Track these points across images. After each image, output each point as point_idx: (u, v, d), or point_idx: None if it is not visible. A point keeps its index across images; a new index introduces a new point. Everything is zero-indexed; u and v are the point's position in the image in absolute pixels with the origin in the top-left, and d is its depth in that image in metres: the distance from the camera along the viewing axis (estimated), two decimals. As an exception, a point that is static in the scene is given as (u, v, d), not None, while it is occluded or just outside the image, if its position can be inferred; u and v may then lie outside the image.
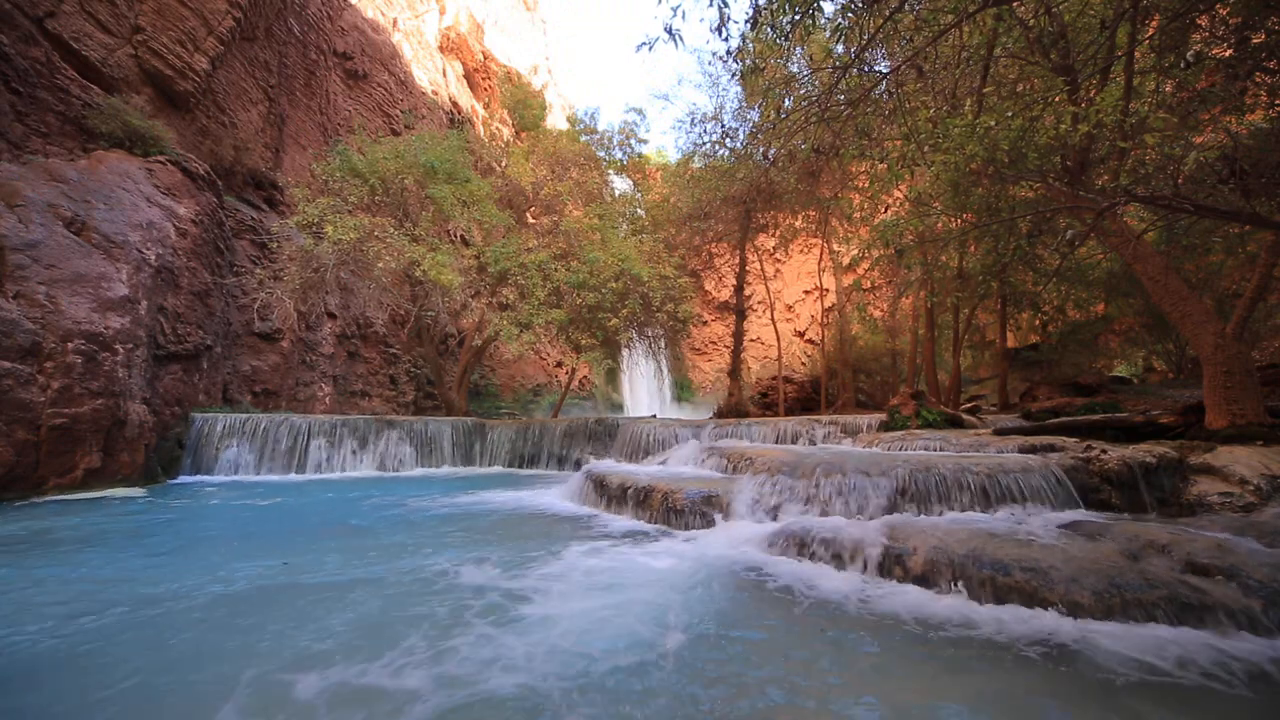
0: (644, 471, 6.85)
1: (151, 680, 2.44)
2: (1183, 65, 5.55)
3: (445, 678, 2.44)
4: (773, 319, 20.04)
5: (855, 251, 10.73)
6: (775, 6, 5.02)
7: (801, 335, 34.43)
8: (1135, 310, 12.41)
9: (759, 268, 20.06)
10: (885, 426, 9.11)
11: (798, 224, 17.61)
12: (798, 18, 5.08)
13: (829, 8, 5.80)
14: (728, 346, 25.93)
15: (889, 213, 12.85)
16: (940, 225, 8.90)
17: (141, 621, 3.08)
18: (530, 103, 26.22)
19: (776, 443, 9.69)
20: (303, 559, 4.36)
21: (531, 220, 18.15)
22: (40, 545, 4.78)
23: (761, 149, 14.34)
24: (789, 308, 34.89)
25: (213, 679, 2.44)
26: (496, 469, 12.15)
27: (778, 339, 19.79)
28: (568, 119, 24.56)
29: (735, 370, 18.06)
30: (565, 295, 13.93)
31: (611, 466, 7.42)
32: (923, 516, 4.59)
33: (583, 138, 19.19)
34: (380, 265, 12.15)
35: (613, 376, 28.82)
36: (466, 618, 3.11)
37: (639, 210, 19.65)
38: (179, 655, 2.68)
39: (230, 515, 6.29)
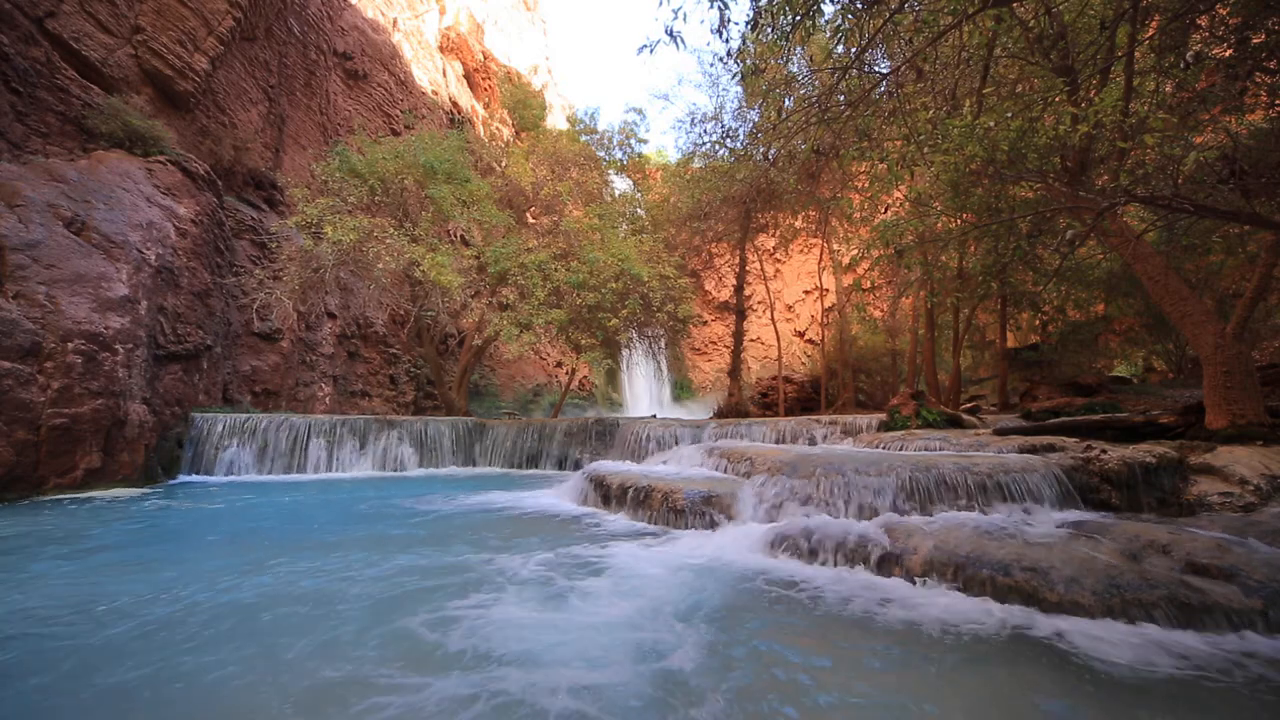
0: (644, 471, 6.85)
1: (145, 689, 2.41)
2: (1183, 65, 5.56)
3: (439, 677, 2.44)
4: (773, 319, 20.06)
5: (855, 251, 10.72)
6: (775, 8, 5.03)
7: (801, 335, 34.43)
8: (1135, 310, 12.41)
9: (759, 268, 20.07)
10: (885, 426, 9.11)
11: (798, 224, 17.63)
12: (798, 19, 5.09)
13: (829, 9, 5.80)
14: (728, 346, 25.94)
15: (889, 213, 12.85)
16: (940, 225, 8.90)
17: (136, 627, 3.05)
18: (530, 103, 26.23)
19: (777, 443, 9.69)
20: (300, 560, 4.35)
21: (531, 220, 18.15)
22: (39, 546, 4.77)
23: (761, 149, 14.35)
24: (789, 308, 34.89)
25: (204, 684, 2.44)
26: (497, 469, 12.15)
27: (778, 339, 19.81)
28: (568, 119, 24.56)
29: (735, 370, 18.08)
30: (565, 295, 13.93)
31: (611, 466, 7.42)
32: (923, 516, 4.59)
33: (583, 138, 19.18)
34: (380, 265, 12.15)
35: (613, 376, 28.81)
36: (464, 618, 3.10)
37: (639, 210, 19.64)
38: (178, 662, 2.66)
39: (230, 517, 6.27)
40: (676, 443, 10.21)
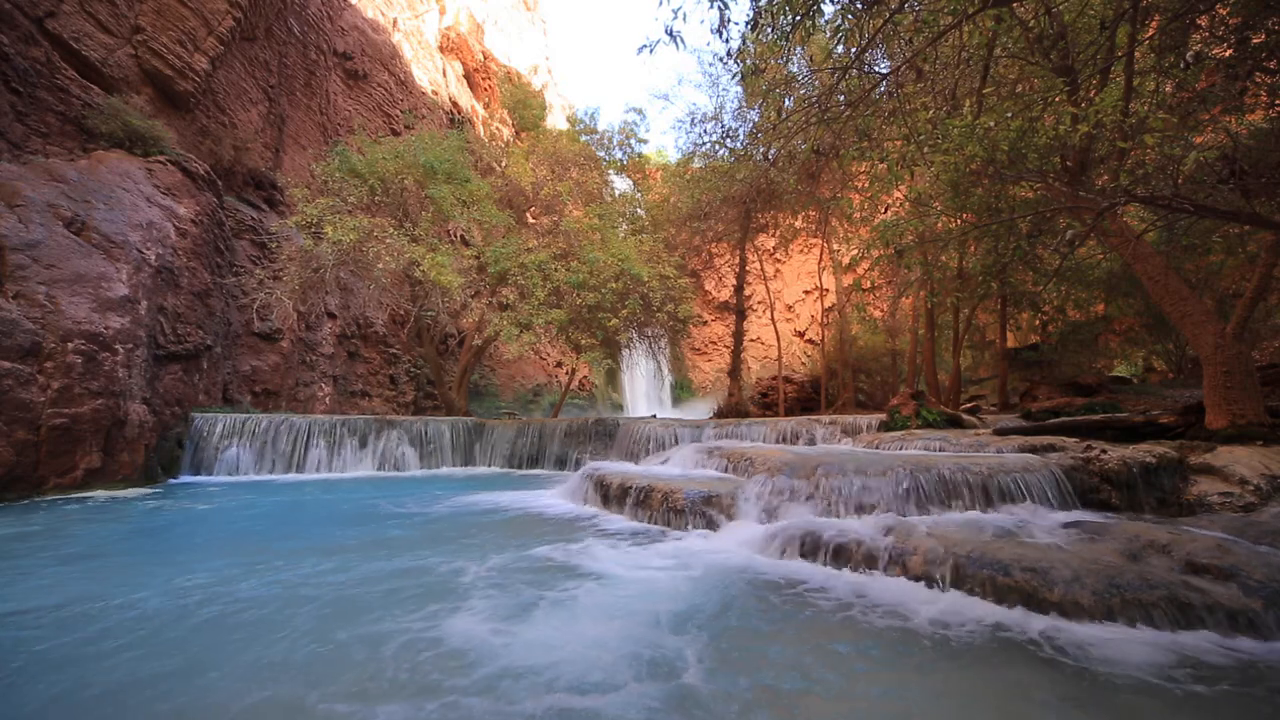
0: (644, 472, 6.85)
1: (53, 709, 2.27)
2: (1183, 65, 5.56)
3: (430, 688, 2.42)
4: (773, 319, 20.05)
5: (855, 251, 10.72)
6: (775, 8, 5.03)
7: (801, 335, 34.44)
8: (1135, 310, 12.41)
9: (759, 268, 20.07)
10: (885, 426, 9.11)
11: (798, 224, 17.63)
12: (798, 19, 5.09)
13: (829, 9, 5.80)
14: (728, 346, 25.94)
15: (889, 213, 12.85)
16: (940, 225, 8.90)
17: (91, 634, 2.92)
18: (530, 103, 26.24)
19: (776, 443, 9.69)
20: (275, 565, 4.29)
21: (531, 220, 18.15)
22: (24, 547, 4.75)
23: (761, 149, 14.35)
24: (789, 308, 34.90)
25: (202, 688, 2.44)
26: (496, 469, 12.15)
27: (778, 339, 19.80)
28: (568, 119, 24.56)
29: (735, 370, 18.07)
30: (565, 295, 13.93)
31: (611, 466, 7.42)
32: (923, 516, 4.59)
33: (583, 138, 19.19)
34: (380, 265, 12.15)
35: (613, 376, 28.81)
36: (461, 618, 3.10)
37: (639, 210, 19.64)
38: (101, 678, 2.49)
39: (219, 519, 6.19)
40: (676, 443, 10.21)
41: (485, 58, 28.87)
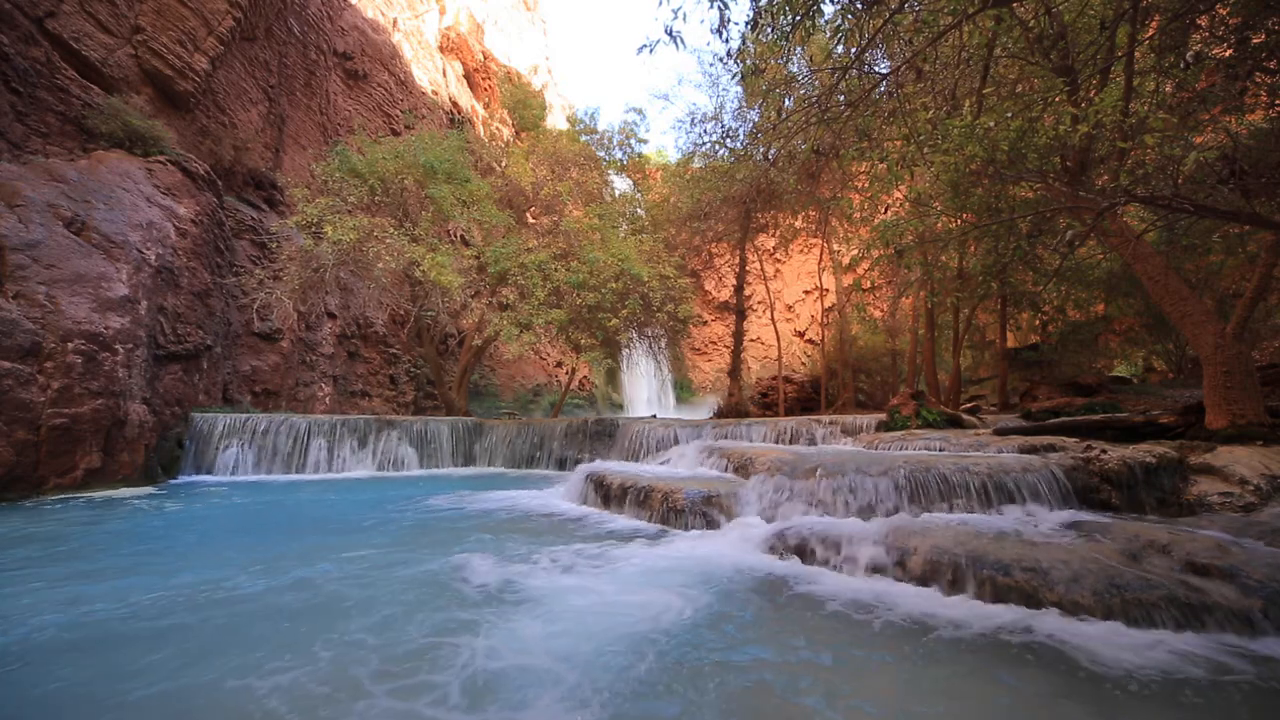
0: (644, 471, 6.85)
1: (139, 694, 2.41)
2: (1183, 65, 5.56)
3: (436, 678, 2.44)
4: (773, 319, 20.05)
5: (855, 251, 10.73)
6: (775, 8, 5.03)
7: (801, 335, 34.44)
8: (1135, 310, 12.40)
9: (759, 268, 20.07)
10: (885, 426, 9.10)
11: (798, 224, 17.64)
12: (798, 19, 5.09)
13: (829, 9, 5.80)
14: (728, 346, 25.94)
15: (889, 213, 12.84)
16: (940, 225, 8.90)
17: (137, 628, 3.04)
18: (530, 103, 26.23)
19: (776, 443, 9.69)
20: (298, 560, 4.34)
21: (531, 220, 18.15)
22: (39, 546, 4.77)
23: (761, 149, 14.35)
24: (789, 308, 34.90)
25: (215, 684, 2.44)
26: (496, 469, 12.15)
27: (778, 339, 19.80)
28: (568, 119, 24.56)
29: (735, 370, 18.07)
30: (565, 295, 13.93)
31: (611, 466, 7.42)
32: (923, 516, 4.59)
33: (583, 138, 19.19)
34: (380, 265, 12.16)
35: (613, 376, 28.83)
36: (463, 616, 3.10)
37: (639, 210, 19.65)
38: (177, 664, 2.64)
39: (231, 516, 6.24)
40: (676, 443, 10.20)
41: (485, 58, 28.86)
